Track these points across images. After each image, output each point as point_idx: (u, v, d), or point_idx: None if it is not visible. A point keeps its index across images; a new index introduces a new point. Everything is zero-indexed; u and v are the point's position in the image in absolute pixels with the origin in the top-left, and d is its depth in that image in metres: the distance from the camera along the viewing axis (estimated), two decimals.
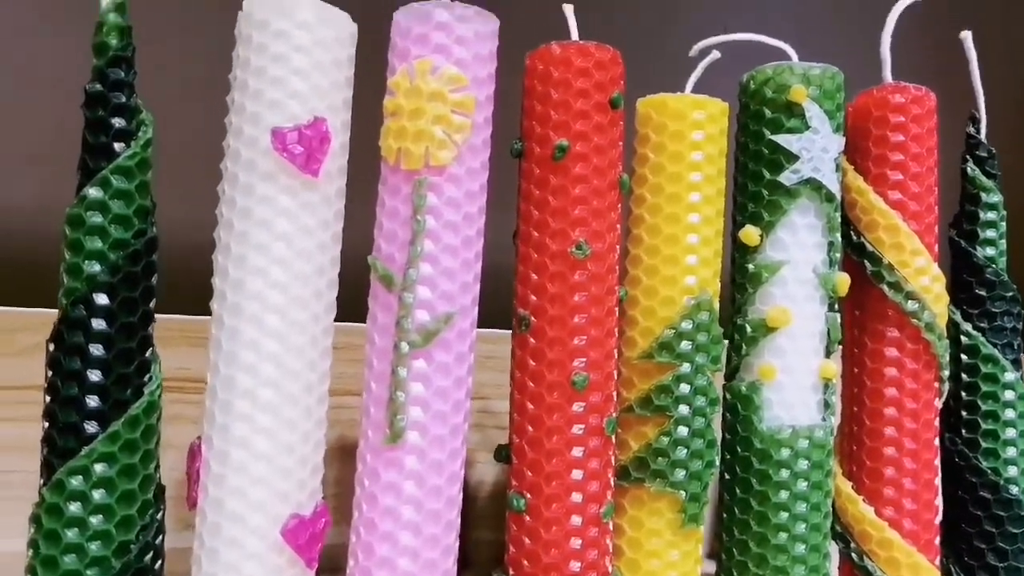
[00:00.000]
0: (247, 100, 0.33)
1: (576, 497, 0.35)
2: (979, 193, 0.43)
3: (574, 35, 0.38)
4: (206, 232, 0.34)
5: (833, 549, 0.40)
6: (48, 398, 0.31)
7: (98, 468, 0.31)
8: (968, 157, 0.44)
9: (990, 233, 0.43)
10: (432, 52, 0.34)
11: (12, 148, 0.51)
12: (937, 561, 0.41)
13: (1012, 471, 0.42)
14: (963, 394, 0.43)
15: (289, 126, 0.32)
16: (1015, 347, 0.43)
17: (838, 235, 0.39)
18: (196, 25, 0.46)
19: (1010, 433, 0.42)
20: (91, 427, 0.31)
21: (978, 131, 0.44)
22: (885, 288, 0.40)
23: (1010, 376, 0.42)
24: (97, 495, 0.30)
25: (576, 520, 0.35)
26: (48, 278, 0.33)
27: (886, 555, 0.39)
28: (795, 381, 0.38)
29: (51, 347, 0.31)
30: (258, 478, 0.32)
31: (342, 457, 0.48)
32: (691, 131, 0.38)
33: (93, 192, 0.31)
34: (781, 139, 0.38)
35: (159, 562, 0.32)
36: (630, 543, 0.37)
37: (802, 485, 0.37)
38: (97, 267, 0.31)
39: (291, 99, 0.33)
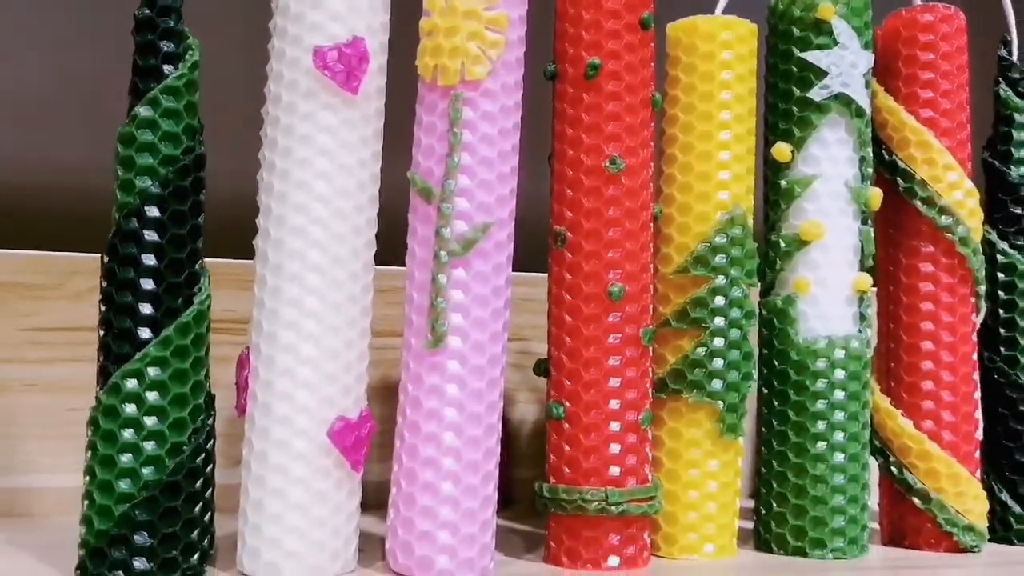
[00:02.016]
0: (289, 24, 0.34)
1: (614, 404, 0.36)
2: (1012, 114, 0.44)
3: None
4: (251, 180, 0.35)
5: (872, 465, 0.40)
6: (103, 307, 0.33)
7: (151, 372, 0.32)
8: (1000, 79, 0.44)
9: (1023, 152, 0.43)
10: None
11: (50, 106, 0.53)
12: (978, 474, 0.41)
13: None
14: (1001, 312, 0.43)
15: (329, 45, 0.34)
16: None
17: (869, 151, 0.40)
18: None
19: None
20: (144, 333, 0.32)
21: (1010, 53, 0.44)
22: (918, 204, 0.40)
23: None
24: (151, 397, 0.32)
25: (615, 426, 0.36)
26: (100, 225, 0.35)
27: (926, 467, 0.40)
28: (830, 294, 0.38)
29: (105, 259, 0.33)
30: (304, 382, 0.33)
31: (386, 396, 0.49)
32: (721, 51, 0.39)
33: (143, 111, 0.33)
34: (810, 56, 0.38)
35: (210, 466, 0.33)
36: (669, 454, 0.38)
37: (839, 395, 0.38)
38: (148, 182, 0.33)
39: (331, 21, 0.34)
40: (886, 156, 0.41)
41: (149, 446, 0.32)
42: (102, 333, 0.33)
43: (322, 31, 0.34)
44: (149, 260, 0.32)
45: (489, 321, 0.34)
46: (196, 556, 0.33)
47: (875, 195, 0.39)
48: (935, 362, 0.40)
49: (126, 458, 0.32)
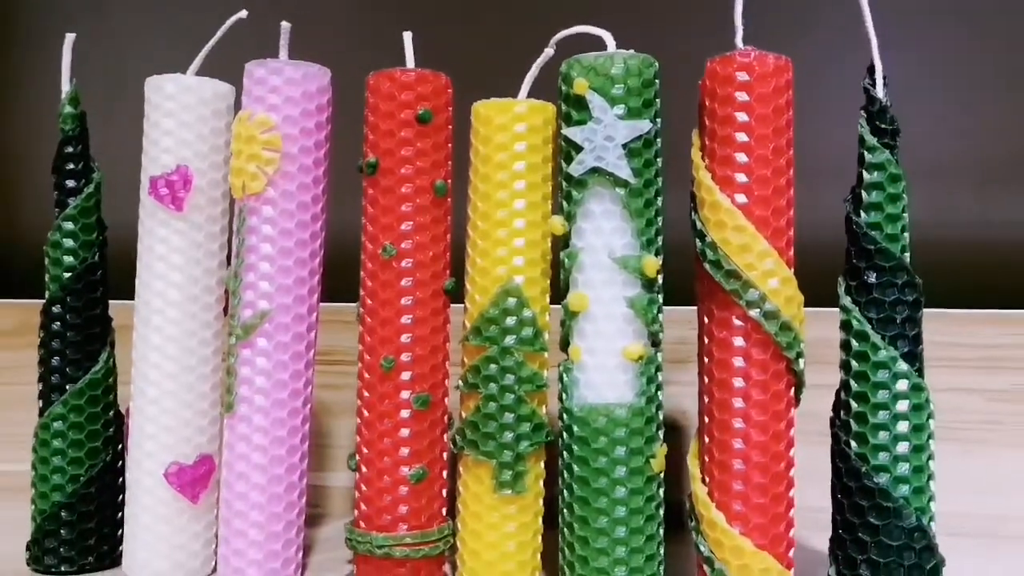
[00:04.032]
0: (143, 158, 0.45)
1: (386, 461, 0.42)
2: (864, 153, 0.40)
3: (410, 63, 0.43)
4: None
5: None
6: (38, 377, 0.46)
7: (55, 424, 0.45)
8: (862, 112, 0.40)
9: (875, 196, 0.40)
10: (253, 103, 0.42)
11: None
12: (786, 547, 0.39)
13: (882, 458, 0.38)
14: (842, 374, 0.40)
15: (158, 174, 0.44)
16: (899, 322, 0.39)
17: (644, 220, 0.40)
18: None
19: (882, 416, 0.39)
20: (54, 396, 0.45)
21: (873, 83, 0.40)
22: (708, 267, 0.39)
23: (884, 355, 0.39)
24: (56, 442, 0.45)
25: (386, 480, 0.42)
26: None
27: (712, 535, 0.39)
28: (599, 362, 0.40)
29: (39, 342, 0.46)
30: (149, 435, 0.44)
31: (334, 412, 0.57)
32: (496, 134, 0.41)
33: (52, 236, 0.46)
34: (568, 132, 0.40)
35: (108, 493, 0.46)
36: (463, 503, 0.43)
37: (601, 460, 0.39)
38: (55, 286, 0.45)
39: (163, 153, 0.44)
40: (692, 216, 0.41)
41: (55, 477, 0.45)
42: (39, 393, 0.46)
43: (156, 162, 0.44)
44: (56, 344, 0.45)
45: (271, 390, 0.42)
46: (92, 556, 0.45)
47: (648, 263, 0.39)
48: (721, 429, 0.39)
49: (43, 485, 0.45)
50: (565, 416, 0.40)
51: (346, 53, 0.45)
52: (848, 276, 0.40)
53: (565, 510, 0.41)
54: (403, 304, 0.42)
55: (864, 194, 0.40)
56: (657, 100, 0.40)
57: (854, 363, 0.39)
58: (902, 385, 0.39)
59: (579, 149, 0.39)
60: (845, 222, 0.40)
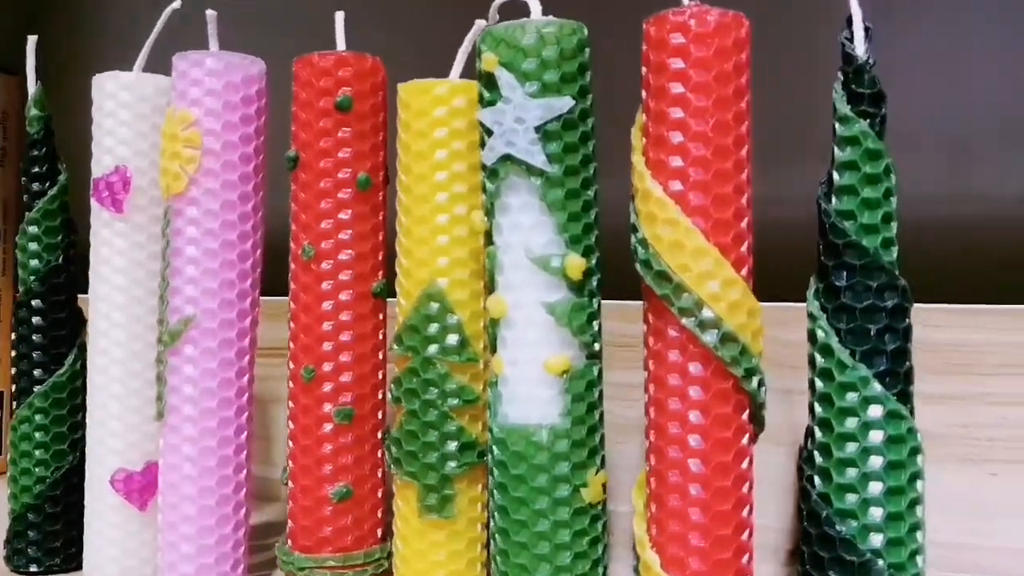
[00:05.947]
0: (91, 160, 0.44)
1: (309, 478, 0.39)
2: (835, 125, 0.33)
3: (340, 45, 0.40)
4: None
5: None
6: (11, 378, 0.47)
7: (22, 427, 0.45)
8: (839, 74, 0.33)
9: (847, 178, 0.32)
10: (176, 99, 0.40)
11: None
12: None
13: (849, 500, 0.31)
14: (808, 396, 0.33)
15: (99, 175, 0.42)
16: (874, 334, 0.32)
17: (566, 214, 0.34)
18: None
19: (850, 449, 0.31)
20: (23, 398, 0.45)
21: (852, 37, 0.33)
22: (639, 267, 0.34)
23: (853, 374, 0.31)
24: (23, 445, 0.45)
25: (310, 498, 0.39)
26: None
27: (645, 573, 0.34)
28: (521, 375, 0.35)
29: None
30: (99, 439, 0.43)
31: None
32: (415, 120, 0.37)
33: (20, 239, 0.46)
34: (480, 115, 0.35)
35: (74, 495, 0.45)
36: (395, 524, 0.39)
37: (520, 489, 0.35)
38: (23, 288, 0.46)
39: (105, 154, 0.43)
40: (630, 205, 0.35)
41: (23, 479, 0.45)
42: None
43: (99, 164, 0.43)
44: (22, 347, 0.46)
45: (199, 399, 0.40)
46: (59, 558, 0.45)
47: (572, 263, 0.34)
48: (658, 457, 0.33)
49: (12, 486, 0.46)
50: (489, 436, 0.36)
51: (321, 42, 0.41)
52: (818, 277, 0.33)
53: (491, 539, 0.36)
54: (324, 309, 0.39)
55: (836, 175, 0.32)
56: (586, 73, 0.34)
57: (819, 383, 0.32)
58: (875, 411, 0.31)
59: (491, 133, 0.34)
60: (818, 213, 0.33)
